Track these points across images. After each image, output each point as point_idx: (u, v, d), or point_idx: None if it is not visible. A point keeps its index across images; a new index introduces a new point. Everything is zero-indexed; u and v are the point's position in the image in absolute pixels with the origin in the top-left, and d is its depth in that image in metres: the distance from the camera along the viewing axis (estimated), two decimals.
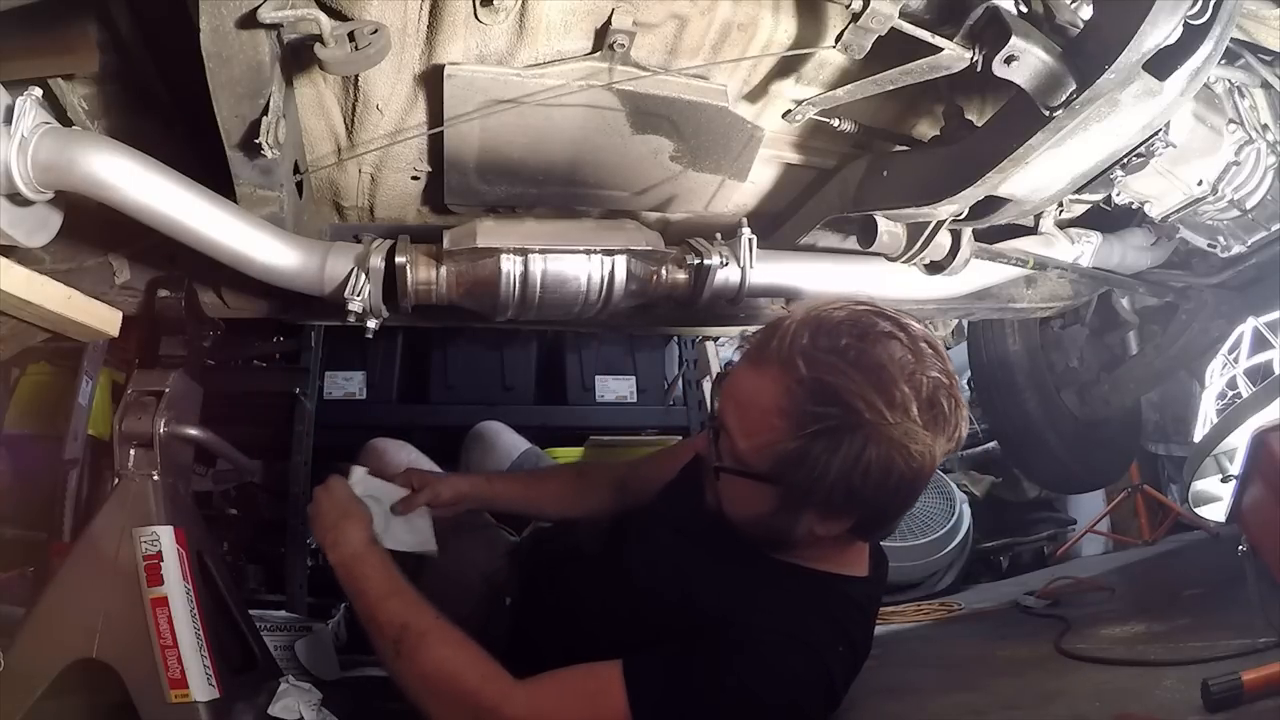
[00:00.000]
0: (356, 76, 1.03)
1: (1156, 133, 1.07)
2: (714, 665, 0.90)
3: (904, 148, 1.23)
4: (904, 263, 1.27)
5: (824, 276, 1.38)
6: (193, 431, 1.17)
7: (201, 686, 1.02)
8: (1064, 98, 0.86)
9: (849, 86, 1.01)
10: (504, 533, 1.46)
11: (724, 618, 0.95)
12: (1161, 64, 0.88)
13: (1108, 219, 1.57)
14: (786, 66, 1.11)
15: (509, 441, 1.90)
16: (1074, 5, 0.93)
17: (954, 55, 0.90)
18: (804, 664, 0.92)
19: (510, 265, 1.14)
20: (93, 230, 1.20)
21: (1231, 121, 1.33)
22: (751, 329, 1.63)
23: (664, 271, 1.25)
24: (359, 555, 1.05)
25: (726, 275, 1.25)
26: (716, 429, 0.97)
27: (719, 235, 1.29)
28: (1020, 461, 2.44)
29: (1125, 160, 1.12)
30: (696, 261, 1.24)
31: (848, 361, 0.85)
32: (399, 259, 1.12)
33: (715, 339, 2.54)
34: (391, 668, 0.98)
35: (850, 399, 0.84)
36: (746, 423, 0.92)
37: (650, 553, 1.11)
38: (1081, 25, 0.91)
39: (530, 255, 1.15)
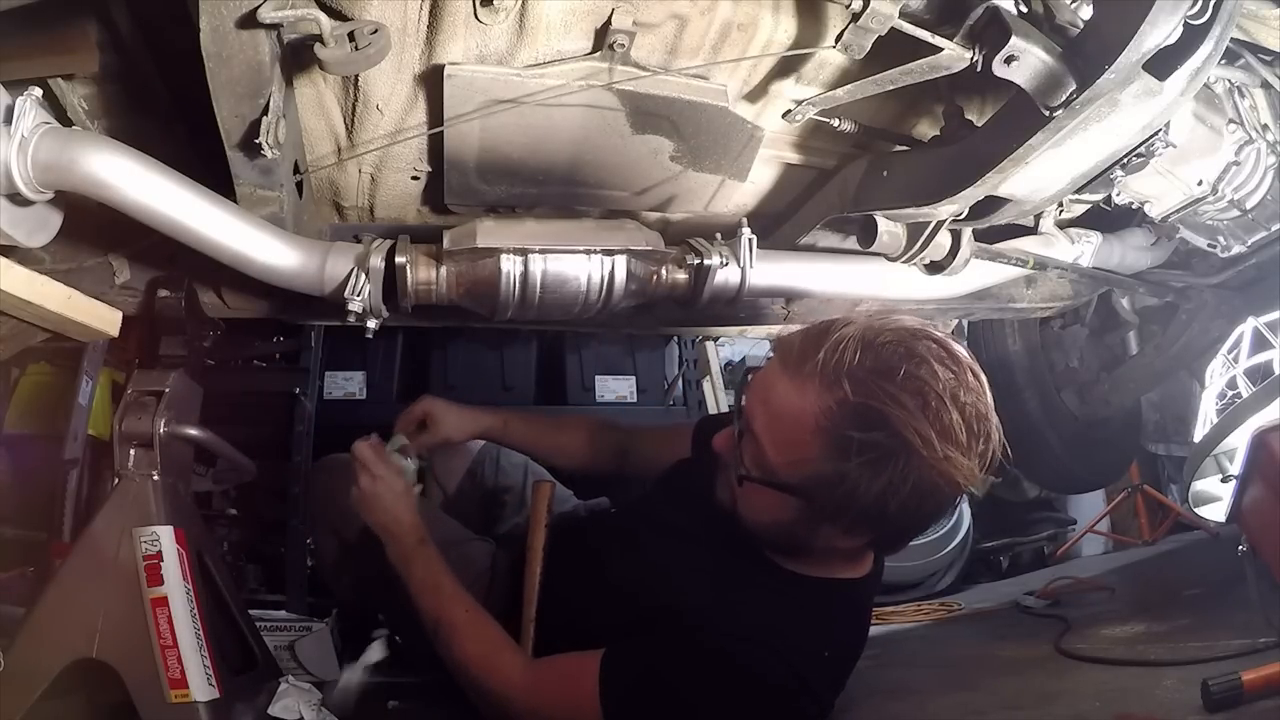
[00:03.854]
0: (356, 76, 1.03)
1: (1156, 133, 1.07)
2: (682, 667, 0.94)
3: (904, 148, 1.23)
4: (904, 263, 1.27)
5: (824, 276, 1.38)
6: (193, 431, 1.17)
7: (201, 686, 1.02)
8: (1064, 98, 0.86)
9: (849, 86, 1.01)
10: (479, 543, 1.45)
11: (705, 623, 0.97)
12: (1161, 64, 0.88)
13: (1108, 219, 1.57)
14: (786, 66, 1.11)
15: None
16: (1074, 5, 0.93)
17: (954, 55, 0.90)
18: (772, 676, 0.92)
19: (510, 265, 1.14)
20: (93, 230, 1.20)
21: (1231, 121, 1.33)
22: (753, 329, 1.64)
23: (664, 271, 1.25)
24: (409, 554, 1.17)
25: (726, 275, 1.25)
26: (742, 431, 0.95)
27: (719, 235, 1.29)
28: (1020, 461, 2.44)
29: (1125, 160, 1.11)
30: (696, 261, 1.24)
31: (897, 386, 0.83)
32: (399, 259, 1.12)
33: (715, 339, 2.54)
34: (433, 645, 1.14)
35: (899, 428, 0.82)
36: (780, 435, 0.90)
37: (638, 560, 1.13)
38: (1081, 25, 0.91)
39: (530, 255, 1.15)
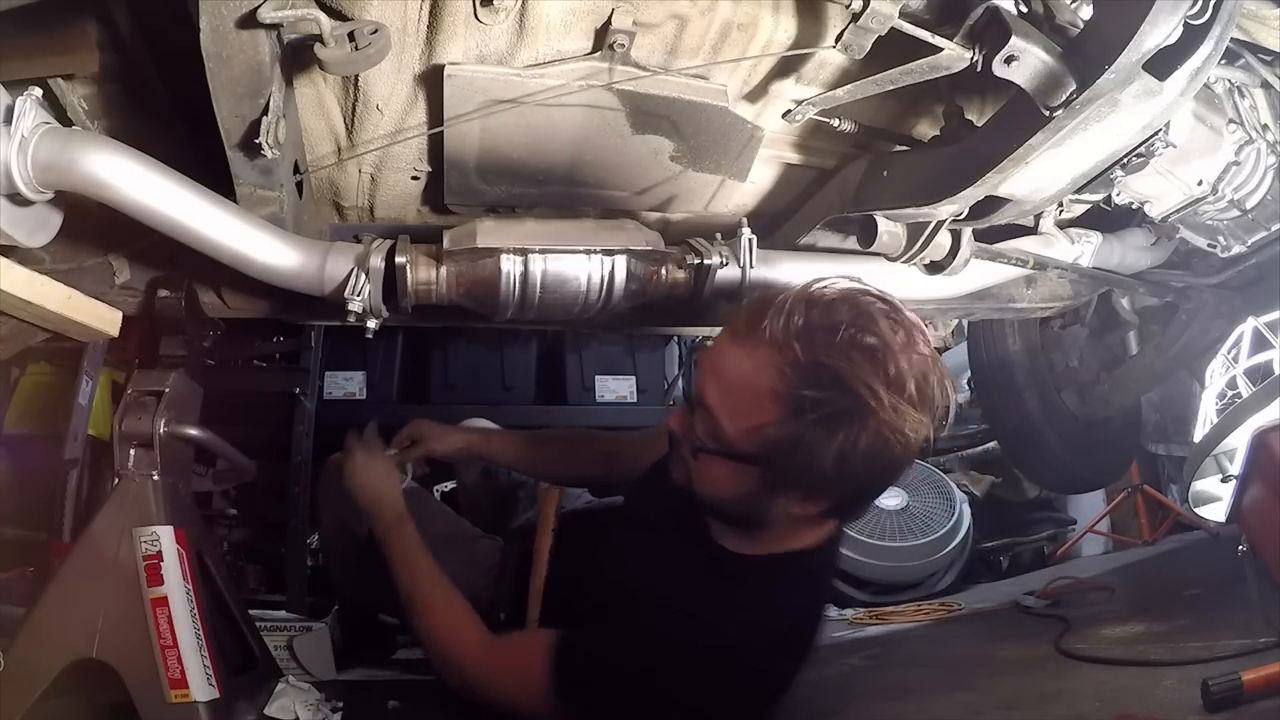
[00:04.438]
0: (356, 76, 1.03)
1: (1156, 133, 1.07)
2: (625, 647, 0.98)
3: (904, 148, 1.23)
4: (904, 263, 1.27)
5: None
6: (193, 431, 1.18)
7: (201, 686, 1.02)
8: (1064, 98, 0.86)
9: (849, 86, 1.01)
10: (487, 541, 1.46)
11: (648, 604, 1.01)
12: (1161, 64, 0.88)
13: (1108, 219, 1.57)
14: (786, 66, 1.11)
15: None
16: (1074, 5, 0.93)
17: (954, 55, 0.90)
18: (711, 651, 0.95)
19: (510, 265, 1.14)
20: (93, 230, 1.20)
21: (1231, 121, 1.33)
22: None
23: (664, 271, 1.25)
24: (390, 529, 1.22)
25: (726, 275, 1.25)
26: (694, 405, 0.95)
27: (719, 235, 1.29)
28: (1020, 461, 2.44)
29: (1125, 160, 1.12)
30: (696, 261, 1.24)
31: (846, 343, 0.84)
32: (399, 259, 1.12)
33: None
34: (405, 618, 1.20)
35: (851, 383, 0.83)
36: (733, 403, 0.90)
37: (613, 555, 1.16)
38: (1081, 25, 0.91)
39: (530, 255, 1.15)
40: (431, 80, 1.04)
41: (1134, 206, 1.43)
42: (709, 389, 0.92)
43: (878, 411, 0.83)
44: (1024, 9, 0.91)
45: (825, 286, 0.89)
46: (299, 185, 1.15)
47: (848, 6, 0.85)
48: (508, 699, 1.05)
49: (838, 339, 0.84)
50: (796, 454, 0.86)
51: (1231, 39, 1.03)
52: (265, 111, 0.91)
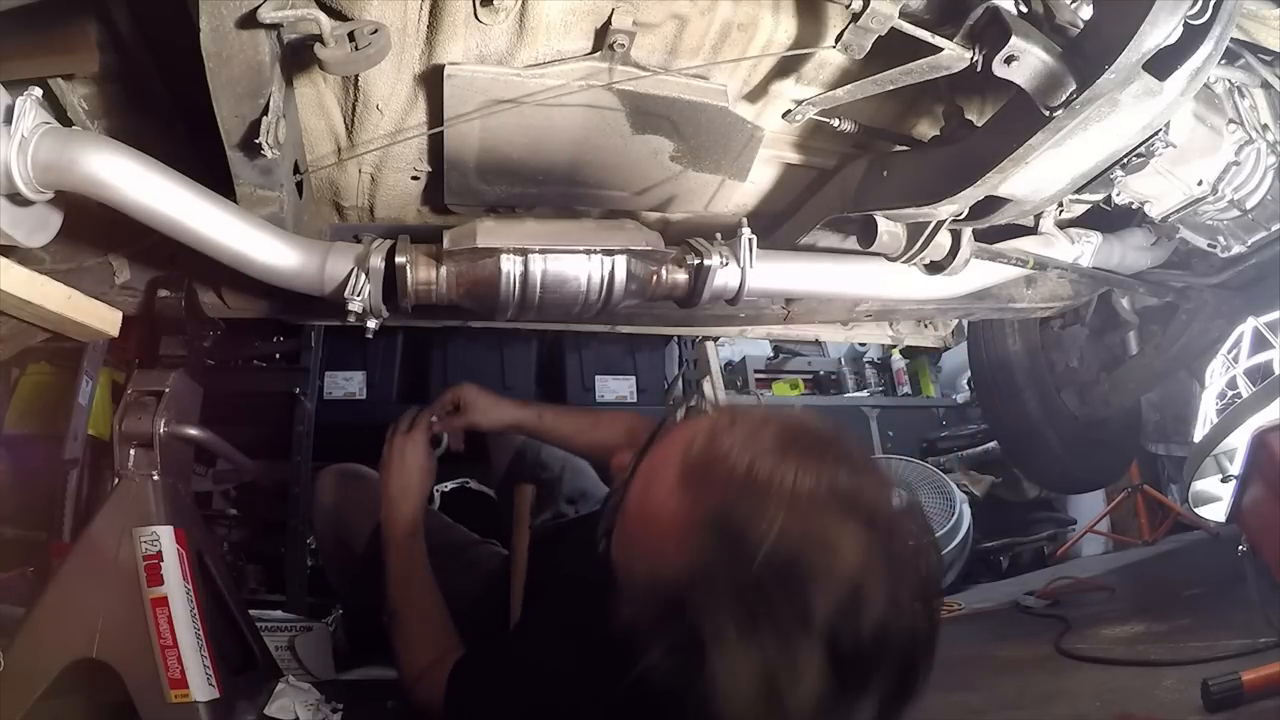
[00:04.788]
0: (356, 76, 1.03)
1: (1156, 133, 1.07)
2: (496, 677, 1.01)
3: (904, 148, 1.23)
4: (904, 263, 1.27)
5: (824, 277, 1.37)
6: (193, 431, 1.17)
7: (201, 686, 1.02)
8: (1064, 98, 0.86)
9: (849, 86, 1.01)
10: (487, 548, 1.45)
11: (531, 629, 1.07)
12: (1161, 64, 0.88)
13: (1108, 219, 1.57)
14: (786, 66, 1.11)
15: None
16: (1074, 5, 0.93)
17: (954, 55, 0.90)
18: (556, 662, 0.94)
19: (510, 265, 1.14)
20: (93, 230, 1.20)
21: (1231, 121, 1.33)
22: (753, 329, 1.63)
23: (664, 271, 1.24)
24: (394, 541, 1.22)
25: (726, 275, 1.25)
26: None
27: (719, 235, 1.29)
28: (1020, 461, 2.44)
29: (1125, 160, 1.11)
30: (696, 261, 1.24)
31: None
32: (399, 259, 1.12)
33: (715, 339, 2.54)
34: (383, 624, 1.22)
35: None
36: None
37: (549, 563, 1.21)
38: (1081, 25, 0.90)
39: (530, 255, 1.14)
40: (431, 80, 1.04)
41: (1134, 206, 1.43)
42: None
43: None
44: (1024, 9, 0.91)
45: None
46: (299, 185, 1.15)
47: (848, 6, 0.85)
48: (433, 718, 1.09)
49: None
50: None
51: (1231, 39, 1.02)
52: (265, 111, 0.91)
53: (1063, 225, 1.52)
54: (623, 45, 1.00)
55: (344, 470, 1.58)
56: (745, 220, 1.26)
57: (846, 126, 1.13)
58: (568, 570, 1.14)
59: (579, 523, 1.38)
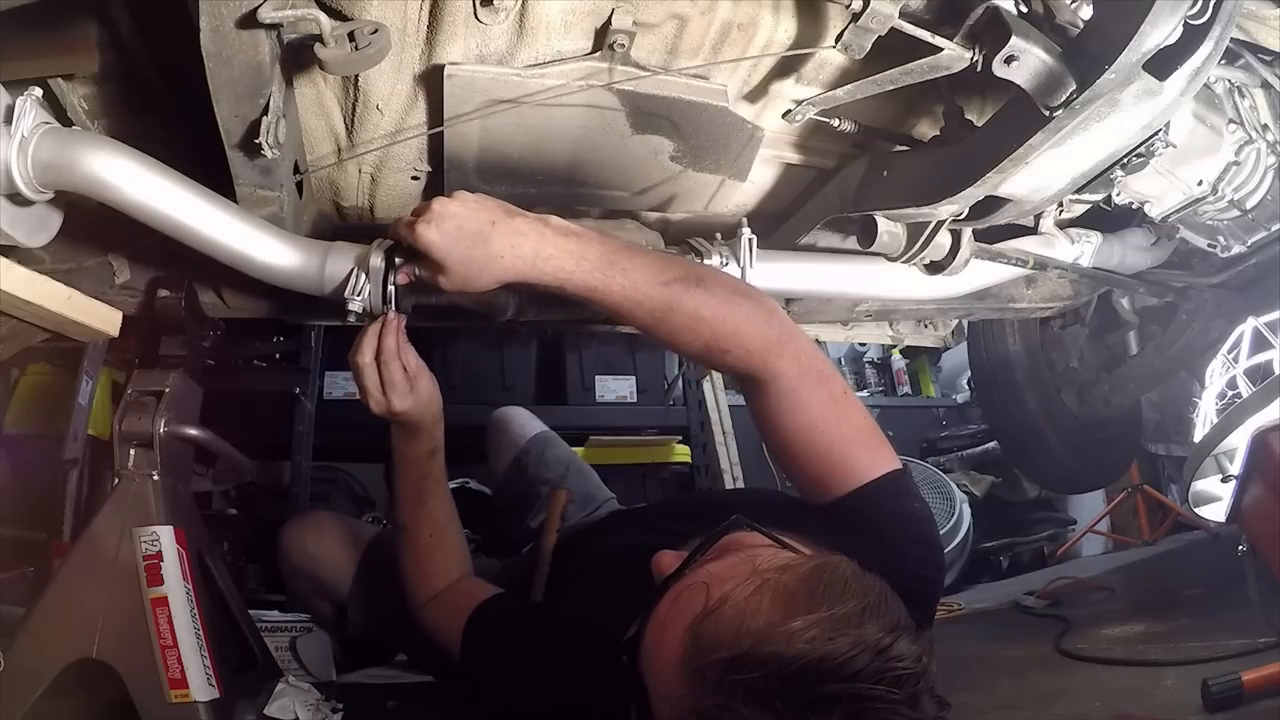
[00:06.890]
0: (356, 76, 1.03)
1: (1156, 133, 1.07)
2: (519, 625, 1.07)
3: (904, 148, 1.23)
4: (904, 263, 1.27)
5: (824, 276, 1.38)
6: (193, 431, 1.17)
7: (201, 686, 1.02)
8: (1064, 98, 0.86)
9: (849, 86, 1.01)
10: (484, 558, 1.47)
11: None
12: (1161, 64, 0.88)
13: (1108, 219, 1.57)
14: (786, 66, 1.11)
15: (521, 425, 1.90)
16: (1074, 5, 0.93)
17: (954, 55, 0.90)
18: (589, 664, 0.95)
19: None
20: (93, 230, 1.20)
21: (1231, 121, 1.33)
22: None
23: None
24: (407, 459, 1.17)
25: None
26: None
27: (719, 235, 1.29)
28: (1020, 461, 2.44)
29: (1125, 160, 1.12)
30: (696, 262, 1.24)
31: None
32: (399, 259, 1.12)
33: None
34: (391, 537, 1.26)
35: None
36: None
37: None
38: (1081, 25, 0.91)
39: None
40: (431, 80, 1.04)
41: (1134, 206, 1.43)
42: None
43: None
44: (1024, 9, 0.91)
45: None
46: (299, 185, 1.15)
47: (848, 6, 0.85)
48: (442, 642, 1.13)
49: None
50: None
51: (1231, 39, 1.03)
52: (265, 111, 0.91)
53: (1063, 225, 1.52)
54: (623, 45, 1.00)
55: (303, 521, 1.59)
56: (745, 220, 1.26)
57: (846, 126, 1.13)
58: (593, 566, 1.17)
59: (597, 527, 1.39)
